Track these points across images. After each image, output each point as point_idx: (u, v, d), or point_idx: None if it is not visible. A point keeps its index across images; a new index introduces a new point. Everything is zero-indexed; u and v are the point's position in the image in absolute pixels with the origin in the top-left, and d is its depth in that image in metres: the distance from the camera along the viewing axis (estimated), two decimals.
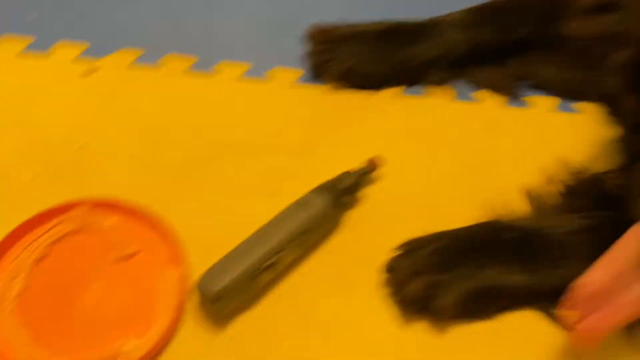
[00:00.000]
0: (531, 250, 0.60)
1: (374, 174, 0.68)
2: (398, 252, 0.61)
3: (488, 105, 0.79)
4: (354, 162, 0.70)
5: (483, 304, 0.59)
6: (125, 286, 0.58)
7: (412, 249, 0.61)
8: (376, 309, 0.59)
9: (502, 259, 0.60)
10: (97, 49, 0.77)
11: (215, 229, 0.63)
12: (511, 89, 0.81)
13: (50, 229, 0.61)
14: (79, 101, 0.72)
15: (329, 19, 0.79)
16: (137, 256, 0.60)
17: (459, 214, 0.67)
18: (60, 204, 0.62)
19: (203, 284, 0.55)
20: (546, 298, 0.59)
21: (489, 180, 0.70)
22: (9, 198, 0.63)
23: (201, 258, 0.60)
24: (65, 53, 0.76)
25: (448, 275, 0.58)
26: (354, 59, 0.75)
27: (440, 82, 0.79)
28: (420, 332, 0.58)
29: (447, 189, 0.69)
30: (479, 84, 0.80)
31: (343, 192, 0.63)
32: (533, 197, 0.68)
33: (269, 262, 0.56)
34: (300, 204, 0.61)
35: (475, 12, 0.80)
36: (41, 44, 0.77)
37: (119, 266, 0.59)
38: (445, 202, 0.68)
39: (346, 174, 0.65)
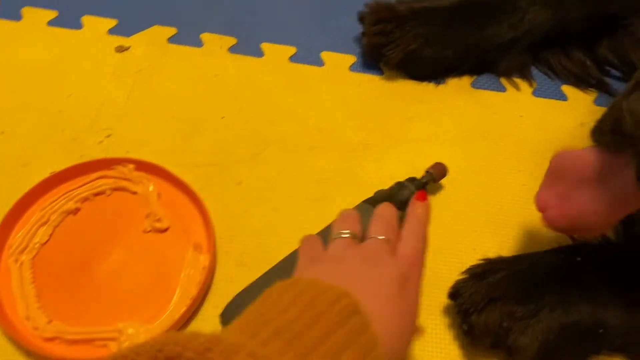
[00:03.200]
0: (633, 283, 0.50)
1: (437, 184, 0.59)
2: (464, 276, 0.51)
3: (574, 103, 0.67)
4: (413, 166, 0.61)
5: (572, 345, 0.49)
6: (148, 262, 0.53)
7: (482, 272, 0.51)
8: (439, 340, 0.51)
9: (597, 290, 0.49)
10: (126, 27, 0.69)
11: (251, 233, 0.55)
12: (600, 80, 0.69)
13: (91, 181, 0.57)
14: (111, 80, 0.65)
15: None
16: (169, 232, 0.55)
17: (534, 233, 0.57)
18: (106, 158, 0.58)
19: (230, 313, 0.47)
20: None
21: None
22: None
23: (233, 260, 0.53)
24: (95, 28, 0.69)
25: (529, 306, 0.48)
26: (417, 42, 0.65)
27: (516, 69, 0.68)
28: None
29: (524, 203, 0.59)
30: (562, 73, 0.69)
31: (400, 206, 0.53)
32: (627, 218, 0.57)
33: None
34: None
35: None
36: (66, 19, 0.69)
37: (148, 238, 0.54)
38: (517, 219, 0.58)
39: (404, 185, 0.55)
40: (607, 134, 0.45)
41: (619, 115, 0.42)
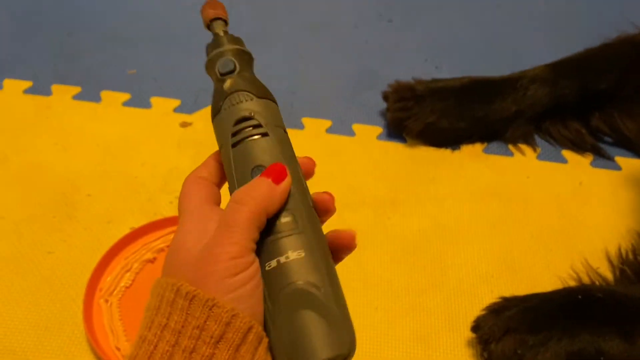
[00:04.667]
0: (628, 318, 0.58)
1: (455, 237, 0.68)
2: (484, 312, 0.60)
3: (573, 165, 0.77)
4: (437, 220, 0.70)
5: None
6: None
7: (499, 308, 0.60)
8: None
9: (597, 323, 0.57)
10: (188, 106, 0.82)
11: None
12: (594, 146, 0.80)
13: (165, 235, 0.67)
14: (177, 150, 0.77)
15: (404, 77, 0.81)
16: None
17: (541, 277, 0.66)
18: (176, 216, 0.66)
19: None
20: None
21: (573, 243, 0.69)
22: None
23: None
24: (162, 107, 0.82)
25: (540, 335, 0.56)
26: (434, 116, 0.76)
27: (521, 137, 0.79)
28: None
29: (529, 252, 0.68)
30: (561, 140, 0.80)
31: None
32: (620, 263, 0.66)
33: None
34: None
35: (556, 67, 0.80)
36: (138, 100, 0.83)
37: None
38: (527, 265, 0.67)
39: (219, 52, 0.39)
40: None
41: None
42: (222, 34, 0.40)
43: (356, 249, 0.67)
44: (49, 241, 0.67)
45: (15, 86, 0.85)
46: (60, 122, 0.80)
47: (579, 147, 0.80)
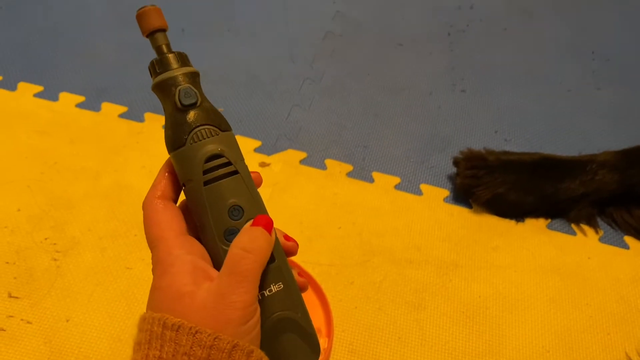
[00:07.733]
0: None
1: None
2: None
3: (635, 252, 0.78)
4: (497, 288, 0.72)
5: None
6: None
7: None
8: None
9: None
10: (268, 148, 0.87)
11: (361, 326, 0.67)
12: None
13: None
14: None
15: (473, 146, 0.84)
16: None
17: (604, 356, 0.66)
18: None
19: None
20: None
21: (631, 330, 0.69)
22: None
23: (344, 347, 0.64)
24: (245, 147, 0.86)
25: None
26: (503, 187, 0.79)
27: (584, 218, 0.81)
28: None
29: (586, 332, 0.69)
30: (624, 226, 0.81)
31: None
32: None
33: None
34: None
35: (627, 155, 0.82)
36: None
37: None
38: (584, 345, 0.67)
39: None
40: None
41: None
42: (166, 50, 0.39)
43: (416, 307, 0.69)
44: (128, 258, 0.72)
45: (112, 110, 0.92)
46: (149, 147, 0.86)
47: None
